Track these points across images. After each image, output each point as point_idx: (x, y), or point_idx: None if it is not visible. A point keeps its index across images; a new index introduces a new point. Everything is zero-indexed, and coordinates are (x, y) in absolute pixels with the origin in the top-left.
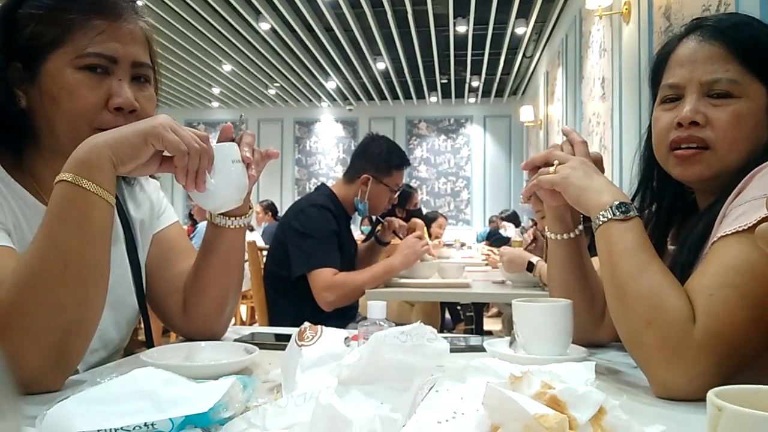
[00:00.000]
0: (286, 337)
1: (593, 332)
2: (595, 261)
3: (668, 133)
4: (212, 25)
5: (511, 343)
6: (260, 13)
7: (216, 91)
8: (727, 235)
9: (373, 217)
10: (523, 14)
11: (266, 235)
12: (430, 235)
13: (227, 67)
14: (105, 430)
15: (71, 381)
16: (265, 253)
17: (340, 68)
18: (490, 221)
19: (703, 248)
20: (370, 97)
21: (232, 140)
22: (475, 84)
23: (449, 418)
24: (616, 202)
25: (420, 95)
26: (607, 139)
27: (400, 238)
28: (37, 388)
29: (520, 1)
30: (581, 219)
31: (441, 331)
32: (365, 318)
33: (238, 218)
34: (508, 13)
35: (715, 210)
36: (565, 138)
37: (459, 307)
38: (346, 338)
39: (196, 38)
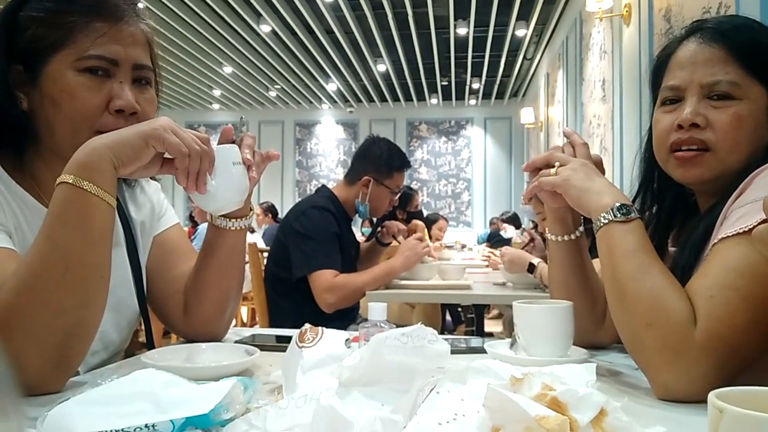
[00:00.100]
0: (287, 339)
1: (594, 334)
2: (596, 263)
3: (669, 135)
4: (213, 27)
5: (511, 345)
6: (261, 15)
7: (217, 93)
8: (728, 237)
9: (374, 219)
10: (524, 16)
11: (266, 237)
12: (430, 237)
13: (228, 69)
14: (106, 431)
15: (72, 382)
16: (265, 254)
17: (340, 70)
18: (491, 223)
19: (703, 250)
20: (370, 99)
21: (233, 142)
22: (475, 86)
23: (450, 419)
24: (617, 204)
25: (420, 97)
26: (608, 141)
27: (399, 243)
28: (37, 389)
29: (521, 3)
30: (582, 221)
31: (442, 332)
32: (366, 319)
33: (238, 220)
34: (509, 15)
35: (716, 212)
36: (566, 140)
37: (460, 309)
38: (346, 340)
39: (196, 40)
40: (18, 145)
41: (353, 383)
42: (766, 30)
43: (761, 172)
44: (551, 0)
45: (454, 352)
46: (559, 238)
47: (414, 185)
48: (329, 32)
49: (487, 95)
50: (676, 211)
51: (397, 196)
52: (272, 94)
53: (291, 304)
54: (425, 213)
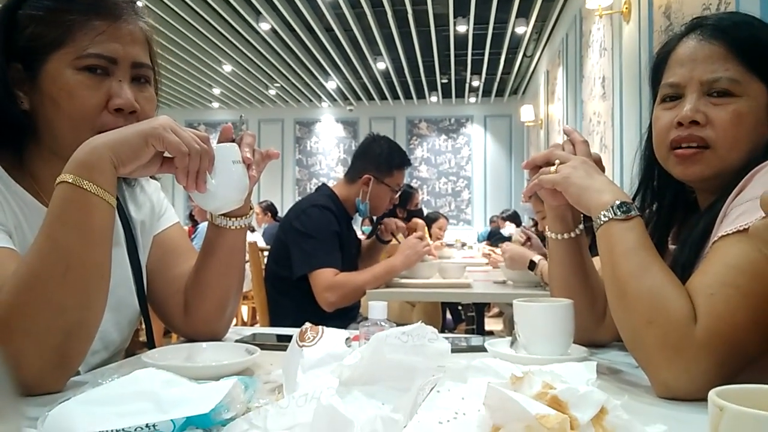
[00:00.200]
0: (288, 338)
1: (594, 332)
2: (597, 261)
3: (668, 133)
4: (212, 25)
5: (512, 343)
6: (260, 13)
7: (216, 91)
8: (728, 234)
9: (374, 218)
10: (524, 13)
11: (266, 236)
12: (430, 236)
13: (227, 68)
14: (106, 431)
15: (72, 382)
16: (266, 253)
17: (340, 68)
18: (491, 221)
19: (704, 247)
20: (370, 97)
21: (233, 141)
22: (475, 84)
23: (450, 418)
24: (617, 202)
25: (420, 95)
26: (608, 139)
27: (398, 241)
28: (38, 389)
29: (521, 0)
30: (582, 219)
31: (442, 331)
32: (366, 318)
33: (238, 219)
34: (509, 12)
35: (716, 209)
36: (566, 137)
37: (460, 307)
38: (347, 339)
39: (196, 39)
40: (17, 144)
41: (354, 382)
42: (766, 27)
43: (761, 169)
44: None
45: (455, 350)
46: (559, 236)
47: (414, 183)
48: (329, 30)
49: (486, 93)
50: (676, 208)
51: (398, 195)
52: (272, 92)
53: (291, 303)
54: (425, 211)
